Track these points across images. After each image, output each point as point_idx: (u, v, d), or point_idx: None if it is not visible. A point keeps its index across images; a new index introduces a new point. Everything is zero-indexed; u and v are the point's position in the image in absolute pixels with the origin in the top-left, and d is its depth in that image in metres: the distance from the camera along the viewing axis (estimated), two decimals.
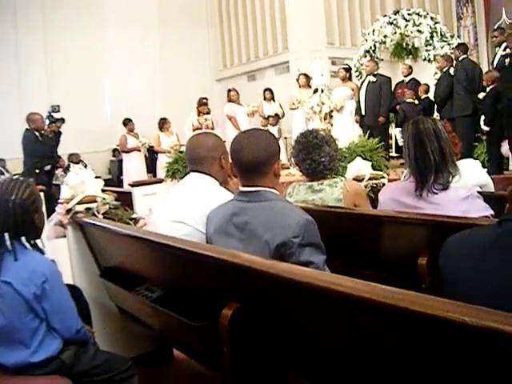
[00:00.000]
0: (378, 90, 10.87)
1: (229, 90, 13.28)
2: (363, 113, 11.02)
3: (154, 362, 3.82)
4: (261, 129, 2.92)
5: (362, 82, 11.40)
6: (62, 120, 12.47)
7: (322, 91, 9.56)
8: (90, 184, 3.74)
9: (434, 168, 2.96)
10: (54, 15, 15.70)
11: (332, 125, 10.43)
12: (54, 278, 2.67)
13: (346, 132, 10.29)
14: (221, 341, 2.14)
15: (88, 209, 3.62)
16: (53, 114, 11.57)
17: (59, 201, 3.73)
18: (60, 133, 12.54)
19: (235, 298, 2.14)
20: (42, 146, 10.09)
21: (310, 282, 1.70)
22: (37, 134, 10.00)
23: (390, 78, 11.24)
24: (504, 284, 1.63)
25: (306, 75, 12.17)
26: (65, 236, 3.75)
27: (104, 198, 3.69)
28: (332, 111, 10.21)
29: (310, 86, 11.75)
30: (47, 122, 11.34)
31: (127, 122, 13.06)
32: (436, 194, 3.00)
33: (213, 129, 11.98)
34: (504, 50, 9.18)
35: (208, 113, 12.50)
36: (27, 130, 9.98)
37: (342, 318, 1.68)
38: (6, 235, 2.62)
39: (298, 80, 12.45)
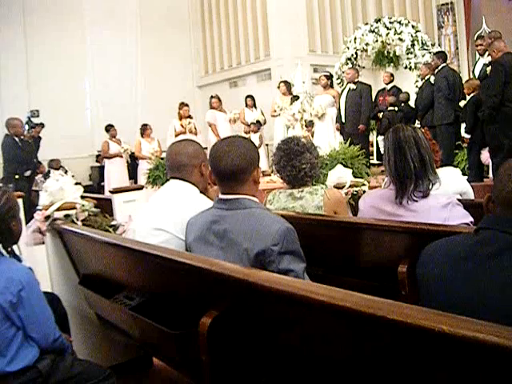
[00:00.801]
0: (359, 97, 10.87)
1: (211, 97, 13.28)
2: (343, 120, 11.02)
3: (134, 371, 3.79)
4: (240, 136, 2.91)
5: (343, 90, 11.42)
6: (42, 125, 12.36)
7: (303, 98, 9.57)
8: (69, 190, 3.71)
9: (413, 175, 2.97)
10: (34, 21, 15.60)
11: (313, 132, 10.47)
12: (31, 286, 2.63)
13: (327, 139, 10.32)
14: (199, 349, 2.12)
15: (67, 215, 3.59)
16: (32, 119, 11.42)
17: (38, 207, 3.69)
18: (40, 138, 12.46)
19: (214, 306, 2.13)
20: (22, 151, 10.02)
21: (289, 291, 1.69)
22: (16, 139, 9.96)
23: (370, 86, 11.27)
24: (480, 292, 1.63)
25: (286, 82, 12.22)
26: (43, 243, 3.71)
27: (83, 205, 3.66)
28: (313, 120, 10.25)
29: (291, 94, 11.81)
30: (26, 127, 11.22)
31: (109, 128, 13.04)
32: (416, 201, 3.00)
33: (196, 134, 11.99)
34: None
35: (190, 116, 12.52)
36: (6, 135, 9.95)
37: (320, 326, 1.67)
38: None
39: (278, 87, 12.48)
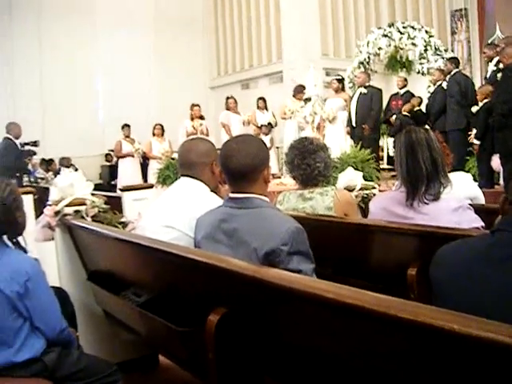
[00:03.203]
0: (369, 101, 10.78)
1: (227, 98, 13.29)
2: (354, 124, 10.97)
3: (140, 369, 3.78)
4: (250, 135, 2.91)
5: (354, 94, 11.37)
6: (33, 153, 12.03)
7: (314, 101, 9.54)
8: (80, 186, 3.72)
9: (425, 178, 2.95)
10: (48, 23, 15.70)
11: (324, 135, 10.44)
12: (37, 276, 2.63)
13: (338, 143, 10.28)
14: (206, 347, 2.11)
15: (77, 211, 3.59)
16: (27, 146, 11.26)
17: (48, 203, 3.70)
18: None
19: (222, 303, 2.12)
20: (19, 152, 10.57)
21: (298, 288, 1.68)
22: (15, 141, 10.42)
23: (380, 90, 11.16)
24: (495, 294, 1.62)
25: (302, 86, 12.13)
26: (53, 239, 3.72)
27: (93, 201, 3.67)
28: (324, 121, 10.22)
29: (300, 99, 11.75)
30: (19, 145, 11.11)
31: (124, 127, 13.08)
32: (427, 204, 2.98)
33: (207, 135, 12.00)
34: (495, 65, 9.21)
35: (201, 117, 12.56)
36: (6, 138, 10.36)
37: (329, 324, 1.66)
38: None
39: (296, 91, 12.21)
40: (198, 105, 12.71)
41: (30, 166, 11.53)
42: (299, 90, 11.93)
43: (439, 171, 2.99)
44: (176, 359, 2.96)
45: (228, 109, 13.12)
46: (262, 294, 1.89)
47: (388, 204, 3.19)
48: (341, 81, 11.67)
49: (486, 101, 8.79)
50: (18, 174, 10.05)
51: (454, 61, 10.11)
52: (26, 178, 11.47)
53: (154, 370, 3.90)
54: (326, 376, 1.78)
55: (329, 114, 10.70)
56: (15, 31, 15.32)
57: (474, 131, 9.06)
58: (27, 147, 11.08)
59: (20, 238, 2.77)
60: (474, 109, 9.19)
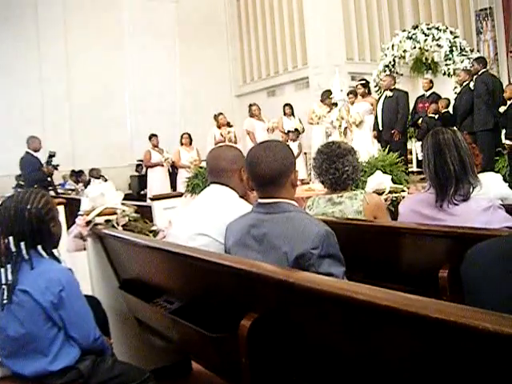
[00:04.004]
0: (395, 104, 10.71)
1: (250, 105, 13.34)
2: (380, 128, 10.92)
3: (173, 376, 3.79)
4: (275, 140, 2.90)
5: (380, 97, 11.32)
6: (55, 167, 12.12)
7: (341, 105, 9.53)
8: (110, 196, 3.75)
9: (454, 178, 2.94)
10: (75, 34, 15.91)
11: (352, 140, 10.42)
12: (71, 286, 2.68)
13: (366, 147, 10.23)
14: (239, 352, 2.12)
15: (108, 221, 3.62)
16: (49, 159, 11.46)
17: (79, 213, 3.74)
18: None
19: (254, 308, 2.13)
20: (39, 164, 10.93)
21: (329, 291, 1.68)
22: (34, 154, 10.81)
23: (406, 93, 11.08)
24: None
25: (328, 92, 12.09)
26: (85, 249, 3.76)
27: (124, 210, 3.70)
28: (351, 126, 10.19)
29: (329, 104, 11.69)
30: (45, 164, 11.29)
31: (152, 137, 13.18)
32: (456, 205, 2.96)
33: (236, 142, 12.04)
34: None
35: (229, 124, 12.61)
36: (26, 152, 10.77)
37: (361, 326, 1.66)
38: (22, 244, 2.64)
39: (324, 96, 12.18)
40: (221, 113, 12.81)
41: (50, 177, 11.65)
42: (327, 95, 11.90)
43: (468, 171, 2.97)
44: (209, 365, 2.97)
45: (252, 116, 13.17)
46: (294, 297, 1.90)
47: (417, 206, 3.17)
48: (365, 85, 11.64)
49: None
50: (35, 186, 10.18)
51: (482, 61, 10.01)
52: (51, 192, 11.59)
53: (187, 377, 3.91)
54: (359, 379, 1.78)
55: (355, 119, 10.68)
56: (42, 47, 15.54)
57: (504, 131, 8.97)
58: (50, 159, 11.27)
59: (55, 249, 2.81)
60: (502, 109, 9.10)
